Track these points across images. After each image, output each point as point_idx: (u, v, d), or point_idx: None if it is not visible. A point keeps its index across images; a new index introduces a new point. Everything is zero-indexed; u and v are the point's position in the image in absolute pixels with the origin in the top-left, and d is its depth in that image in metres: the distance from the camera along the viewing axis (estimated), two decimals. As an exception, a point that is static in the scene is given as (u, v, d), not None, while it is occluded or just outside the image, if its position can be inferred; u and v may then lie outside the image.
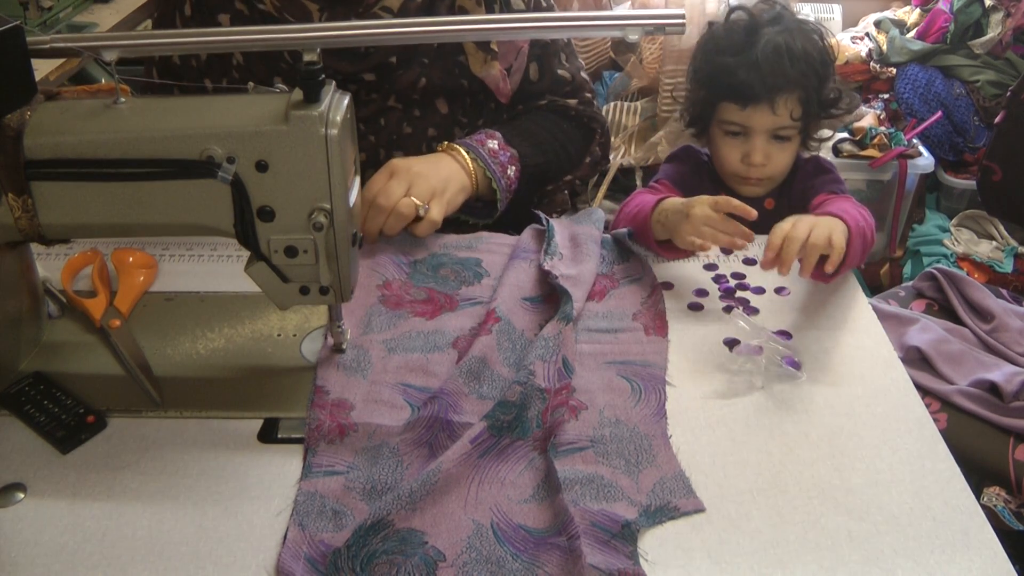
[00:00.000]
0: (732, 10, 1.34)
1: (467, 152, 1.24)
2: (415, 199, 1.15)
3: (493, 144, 1.28)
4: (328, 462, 0.88)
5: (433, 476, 0.84)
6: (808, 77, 1.30)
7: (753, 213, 1.10)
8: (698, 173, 1.40)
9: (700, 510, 0.84)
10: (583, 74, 1.43)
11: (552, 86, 1.40)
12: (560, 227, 1.21)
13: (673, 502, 0.85)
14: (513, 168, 1.29)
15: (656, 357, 1.03)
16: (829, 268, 1.07)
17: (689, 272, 1.18)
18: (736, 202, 1.11)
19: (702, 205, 1.13)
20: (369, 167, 1.23)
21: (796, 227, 1.07)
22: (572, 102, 1.41)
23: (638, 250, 1.19)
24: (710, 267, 1.19)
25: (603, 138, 1.46)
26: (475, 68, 1.29)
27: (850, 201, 1.23)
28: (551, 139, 1.37)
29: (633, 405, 0.96)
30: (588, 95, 1.43)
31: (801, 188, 1.36)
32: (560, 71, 1.39)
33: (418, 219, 1.16)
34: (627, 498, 0.85)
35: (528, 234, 1.22)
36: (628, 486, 0.86)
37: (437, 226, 1.18)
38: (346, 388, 0.96)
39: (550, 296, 1.10)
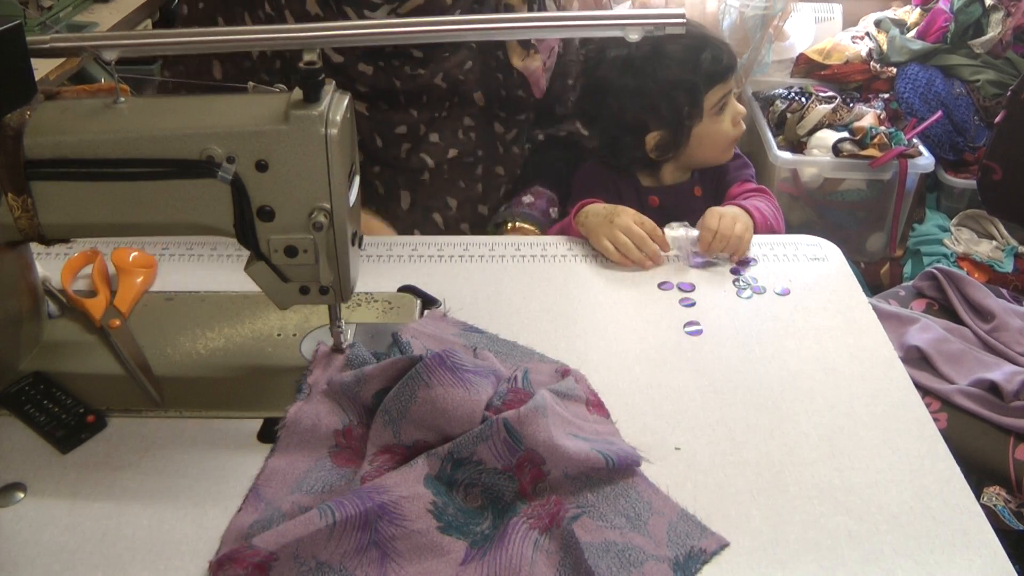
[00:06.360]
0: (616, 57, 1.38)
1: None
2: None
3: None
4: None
5: None
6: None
7: (667, 247, 1.20)
8: (613, 182, 1.42)
9: (725, 545, 0.81)
10: None
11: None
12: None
13: (696, 545, 0.80)
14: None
15: (614, 438, 0.91)
16: (735, 259, 1.20)
17: (696, 273, 1.19)
18: (659, 232, 1.19)
19: (627, 216, 1.19)
20: (407, 142, 1.25)
21: (722, 223, 1.20)
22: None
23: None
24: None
25: None
26: (515, 61, 1.32)
27: (761, 196, 1.33)
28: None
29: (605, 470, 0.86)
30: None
31: (716, 171, 1.43)
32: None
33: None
34: (651, 556, 0.79)
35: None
36: (645, 543, 0.80)
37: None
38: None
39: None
